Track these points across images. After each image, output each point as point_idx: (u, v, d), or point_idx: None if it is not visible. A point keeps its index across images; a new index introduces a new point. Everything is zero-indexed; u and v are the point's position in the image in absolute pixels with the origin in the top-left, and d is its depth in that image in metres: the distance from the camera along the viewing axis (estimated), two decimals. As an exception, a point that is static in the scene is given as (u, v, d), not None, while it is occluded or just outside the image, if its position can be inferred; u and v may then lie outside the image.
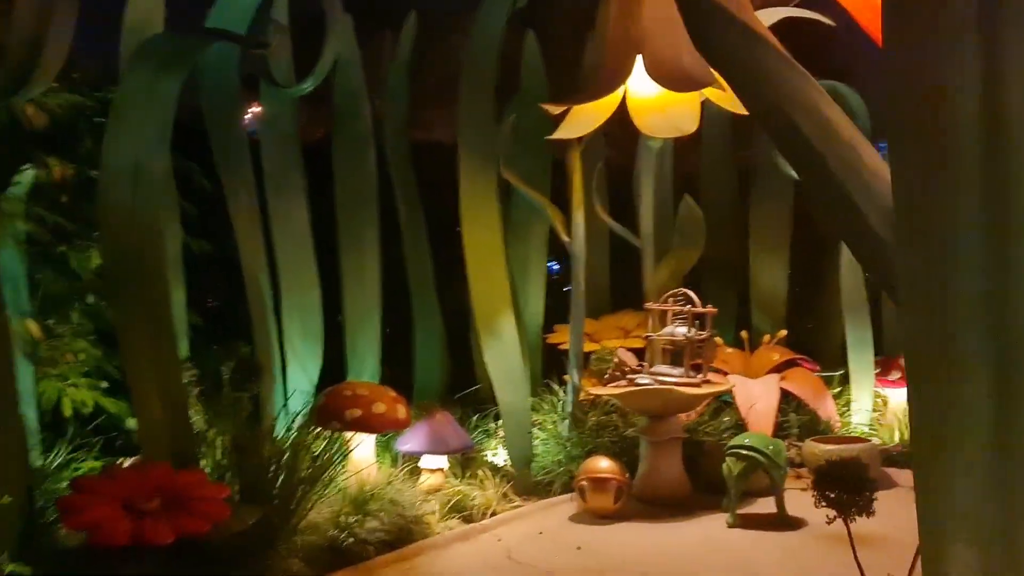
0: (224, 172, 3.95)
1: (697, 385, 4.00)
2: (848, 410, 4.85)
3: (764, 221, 5.50)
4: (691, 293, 4.20)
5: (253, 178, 4.08)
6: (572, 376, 4.48)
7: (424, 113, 5.15)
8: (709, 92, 4.09)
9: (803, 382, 4.76)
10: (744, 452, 3.66)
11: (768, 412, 4.51)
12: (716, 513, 3.85)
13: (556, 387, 4.74)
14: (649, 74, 3.79)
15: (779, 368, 4.89)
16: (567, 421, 4.50)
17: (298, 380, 4.19)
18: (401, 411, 3.79)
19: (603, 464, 3.88)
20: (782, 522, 3.66)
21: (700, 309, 4.13)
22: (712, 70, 3.88)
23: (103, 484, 2.90)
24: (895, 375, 4.92)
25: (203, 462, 3.30)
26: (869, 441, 4.27)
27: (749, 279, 5.51)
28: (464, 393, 4.82)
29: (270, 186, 4.24)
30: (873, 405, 4.93)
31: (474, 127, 4.39)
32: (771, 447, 3.67)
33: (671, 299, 4.28)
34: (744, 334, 5.00)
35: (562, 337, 5.22)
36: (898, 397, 4.91)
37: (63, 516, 2.75)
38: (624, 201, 5.39)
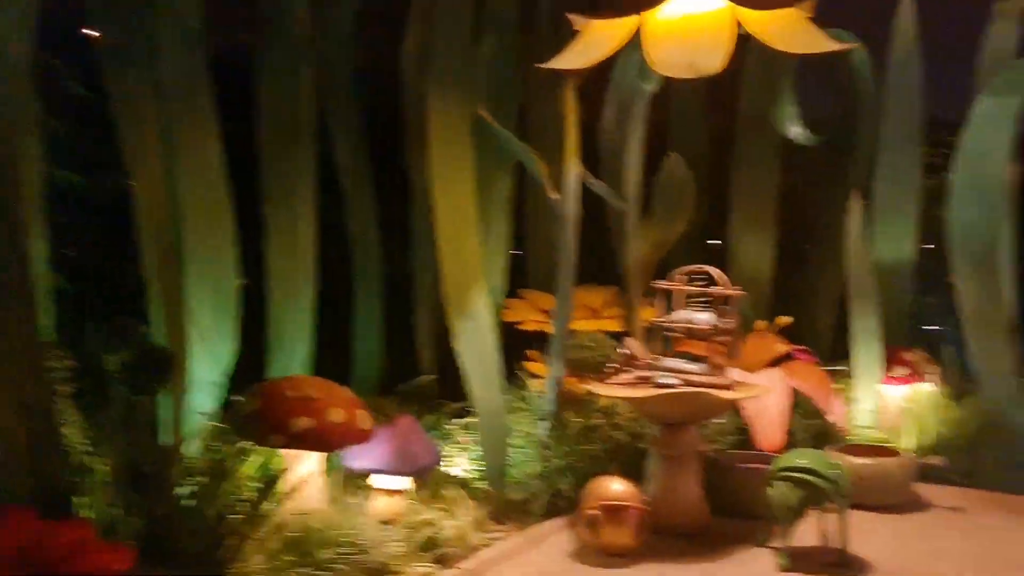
0: (113, 76, 2.78)
1: (728, 387, 3.21)
2: (850, 411, 4.21)
3: (748, 190, 4.76)
4: (714, 270, 3.39)
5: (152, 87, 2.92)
6: (554, 366, 3.60)
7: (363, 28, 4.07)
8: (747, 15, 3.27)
9: (810, 378, 4.07)
10: (802, 476, 2.89)
11: (781, 416, 3.79)
12: (753, 547, 3.08)
13: (525, 378, 3.86)
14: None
15: (777, 362, 4.20)
16: (545, 423, 3.62)
17: (206, 369, 3.08)
18: (364, 420, 2.77)
19: (618, 488, 3.03)
20: (845, 562, 2.94)
21: (728, 291, 3.33)
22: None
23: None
24: (900, 371, 4.32)
25: (85, 502, 2.20)
26: (902, 453, 3.61)
27: (727, 256, 4.78)
28: (408, 386, 3.85)
29: (169, 104, 3.07)
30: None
31: (449, 50, 3.40)
32: (834, 469, 2.92)
33: (682, 276, 3.46)
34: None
35: (522, 314, 4.32)
36: (895, 395, 4.33)
37: None
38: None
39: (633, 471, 3.40)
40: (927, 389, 4.24)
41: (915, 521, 3.43)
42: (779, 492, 2.92)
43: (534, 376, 3.97)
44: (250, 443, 2.58)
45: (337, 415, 2.65)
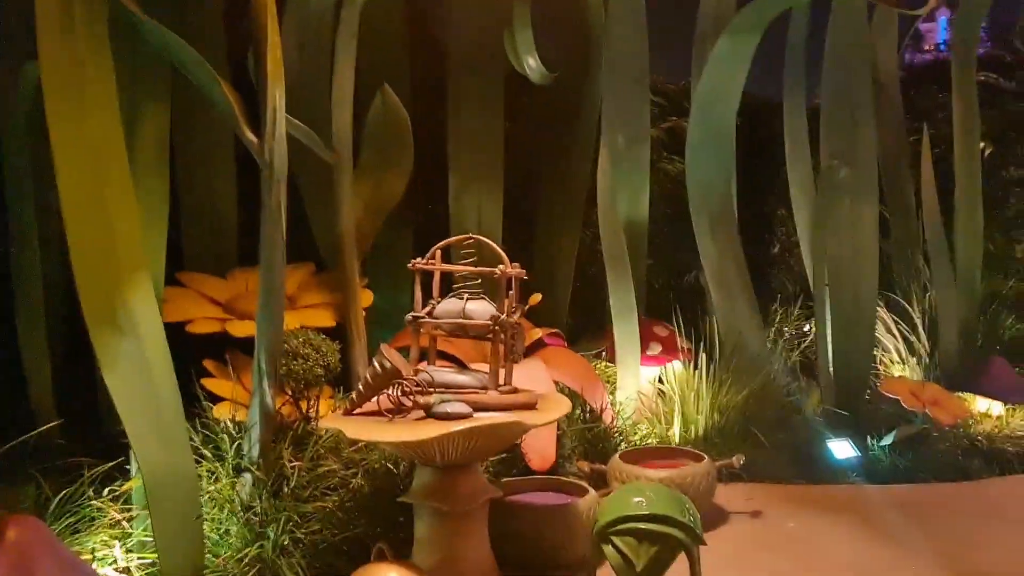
0: None
1: (532, 405, 2.29)
2: (613, 399, 3.54)
3: (467, 140, 3.82)
4: (490, 242, 2.44)
5: None
6: (264, 392, 2.42)
7: None
8: None
9: (572, 368, 3.31)
10: (652, 528, 2.08)
11: (553, 427, 2.97)
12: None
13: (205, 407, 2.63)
14: None
15: (530, 350, 3.39)
16: (248, 475, 2.44)
17: None
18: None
19: (394, 579, 2.00)
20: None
21: (510, 270, 2.40)
22: None
23: None
24: (655, 349, 3.75)
25: None
26: (703, 458, 2.96)
27: (449, 218, 3.83)
28: (14, 444, 2.41)
29: None
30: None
31: None
32: (689, 510, 2.15)
33: (441, 252, 2.48)
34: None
35: (188, 309, 3.04)
36: (651, 377, 3.75)
37: None
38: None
39: (385, 528, 2.40)
40: (682, 368, 3.71)
41: (724, 538, 2.83)
42: (623, 550, 2.08)
43: (216, 400, 2.77)
44: None
45: None
